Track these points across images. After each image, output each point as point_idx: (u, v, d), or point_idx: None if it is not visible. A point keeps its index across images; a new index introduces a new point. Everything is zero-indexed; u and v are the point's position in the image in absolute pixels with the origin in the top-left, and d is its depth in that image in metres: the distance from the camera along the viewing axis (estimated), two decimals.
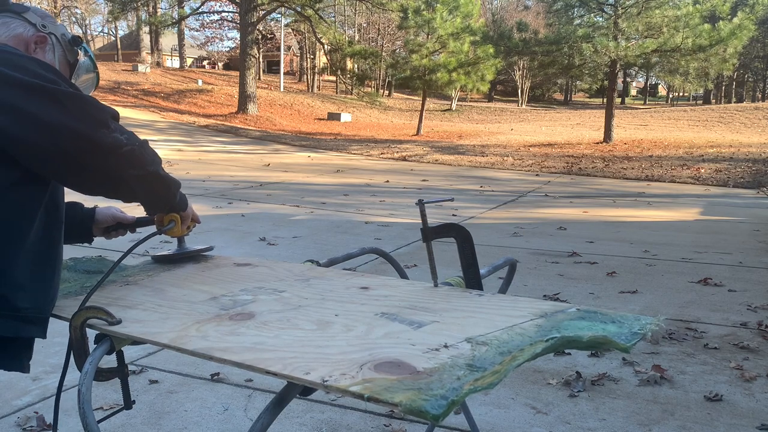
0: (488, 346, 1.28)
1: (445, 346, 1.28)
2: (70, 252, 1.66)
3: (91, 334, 1.47)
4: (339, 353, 1.26)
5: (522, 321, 1.42)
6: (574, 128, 28.93)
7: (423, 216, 1.83)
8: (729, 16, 18.74)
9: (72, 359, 1.47)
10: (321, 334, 1.38)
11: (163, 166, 1.59)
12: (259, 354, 1.28)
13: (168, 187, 1.65)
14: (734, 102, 50.55)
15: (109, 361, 1.52)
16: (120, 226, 1.97)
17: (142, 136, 1.54)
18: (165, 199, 1.68)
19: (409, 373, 1.15)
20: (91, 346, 1.45)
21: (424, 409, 1.00)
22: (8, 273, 1.44)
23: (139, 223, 2.00)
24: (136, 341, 1.45)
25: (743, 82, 59.59)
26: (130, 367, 3.46)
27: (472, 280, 1.82)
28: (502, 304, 1.60)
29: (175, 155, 15.21)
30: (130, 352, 3.60)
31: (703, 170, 14.19)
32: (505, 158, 16.90)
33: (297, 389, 1.30)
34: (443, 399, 1.04)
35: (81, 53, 1.79)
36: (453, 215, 8.45)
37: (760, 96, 58.29)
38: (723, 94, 56.90)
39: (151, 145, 1.59)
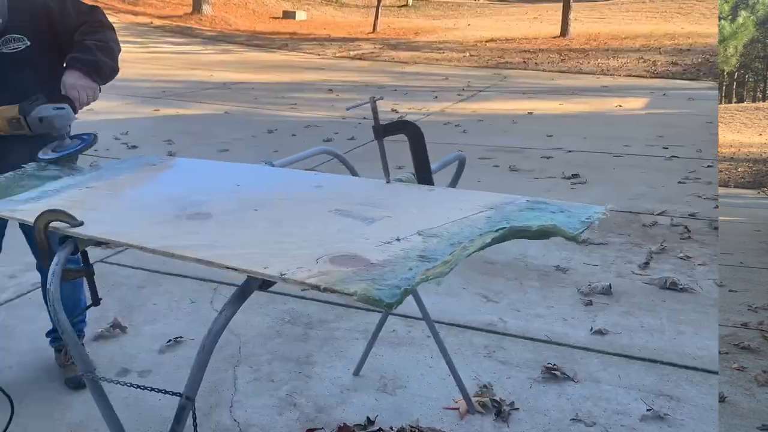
0: (439, 237, 1.32)
1: (397, 239, 1.32)
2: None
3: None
4: (295, 248, 1.30)
5: (472, 213, 1.46)
6: (532, 23, 28.53)
7: (375, 113, 1.85)
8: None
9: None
10: (277, 231, 1.43)
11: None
12: (218, 251, 1.32)
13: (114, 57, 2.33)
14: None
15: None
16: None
17: None
18: (111, 67, 2.28)
19: (363, 266, 1.20)
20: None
21: (379, 298, 1.06)
22: None
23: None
24: (98, 242, 1.49)
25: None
26: (100, 265, 3.52)
27: (424, 176, 1.85)
28: (453, 197, 1.64)
29: (126, 56, 14.69)
30: (97, 251, 3.65)
31: (659, 63, 14.25)
32: (462, 54, 16.72)
33: (257, 283, 1.34)
34: (396, 288, 1.09)
35: None
36: (407, 113, 8.44)
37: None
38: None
39: None
